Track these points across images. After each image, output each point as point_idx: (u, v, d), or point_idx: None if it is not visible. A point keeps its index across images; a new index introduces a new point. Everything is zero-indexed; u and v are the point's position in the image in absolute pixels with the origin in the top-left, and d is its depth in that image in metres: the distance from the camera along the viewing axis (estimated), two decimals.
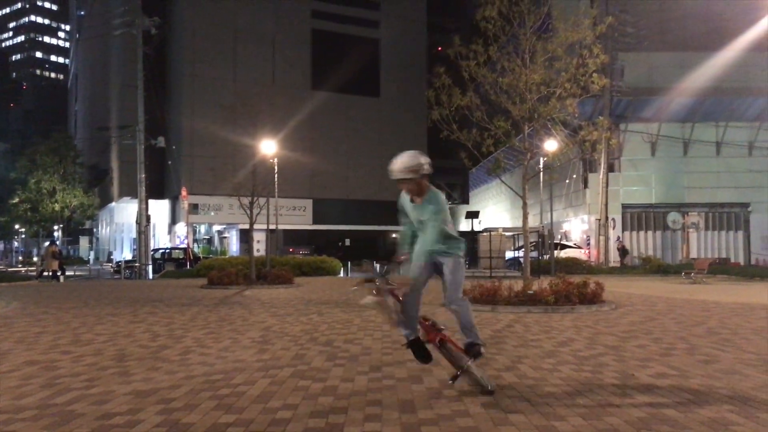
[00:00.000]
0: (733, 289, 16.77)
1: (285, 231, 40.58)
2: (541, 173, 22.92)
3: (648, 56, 31.25)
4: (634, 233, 32.53)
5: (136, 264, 27.82)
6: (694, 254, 30.38)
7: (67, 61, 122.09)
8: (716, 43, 29.98)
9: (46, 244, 33.86)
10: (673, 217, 31.77)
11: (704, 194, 32.02)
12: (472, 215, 30.79)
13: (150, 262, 28.63)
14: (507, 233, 29.90)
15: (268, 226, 21.65)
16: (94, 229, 71.39)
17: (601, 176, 30.11)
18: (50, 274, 24.38)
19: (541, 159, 21.66)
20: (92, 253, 63.00)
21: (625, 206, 32.22)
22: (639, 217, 32.60)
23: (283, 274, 18.90)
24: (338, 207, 48.12)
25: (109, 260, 52.40)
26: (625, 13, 29.48)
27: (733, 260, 30.54)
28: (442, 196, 4.49)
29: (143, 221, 27.88)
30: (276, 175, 21.70)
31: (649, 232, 32.56)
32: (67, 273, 26.77)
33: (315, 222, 46.95)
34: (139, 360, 6.08)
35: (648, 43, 30.78)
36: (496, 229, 28.73)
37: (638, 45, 30.54)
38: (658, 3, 32.21)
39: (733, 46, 29.68)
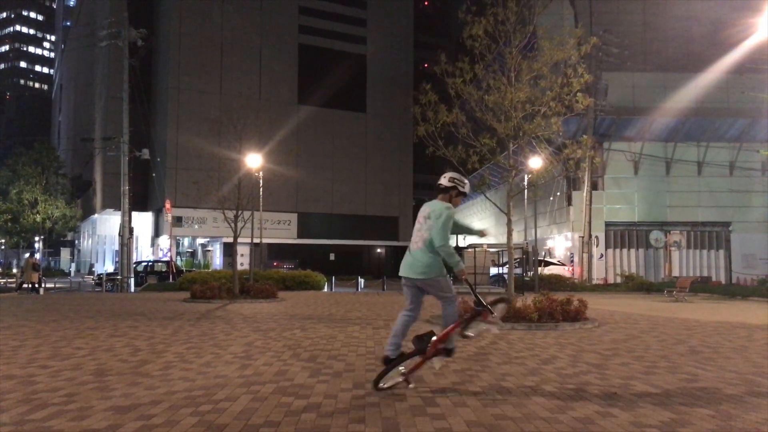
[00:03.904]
0: (715, 307, 16.92)
1: (269, 245, 40.49)
2: (526, 190, 23.03)
3: (631, 76, 31.76)
4: (617, 251, 32.79)
5: (118, 276, 27.51)
6: (676, 272, 30.64)
7: (51, 71, 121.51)
8: (698, 64, 30.56)
9: (26, 255, 33.47)
10: (655, 235, 32.10)
11: (686, 213, 32.39)
12: None
13: (132, 275, 28.33)
14: (491, 249, 29.94)
15: (252, 240, 21.55)
16: (76, 241, 70.71)
17: (584, 194, 30.35)
18: (30, 286, 24.08)
19: (526, 176, 21.79)
20: (73, 265, 62.34)
21: (608, 224, 32.48)
22: (622, 235, 32.87)
23: (266, 288, 18.77)
24: (323, 221, 48.14)
25: (91, 272, 51.83)
26: (609, 34, 29.93)
27: (714, 279, 30.83)
28: None
29: (126, 233, 27.60)
30: (261, 189, 21.65)
31: (632, 250, 32.82)
32: (47, 285, 26.39)
33: (300, 236, 46.88)
34: (119, 375, 6.00)
35: (631, 64, 31.27)
36: (480, 245, 28.74)
37: (622, 65, 30.99)
38: (641, 24, 32.77)
39: (714, 68, 30.21)
